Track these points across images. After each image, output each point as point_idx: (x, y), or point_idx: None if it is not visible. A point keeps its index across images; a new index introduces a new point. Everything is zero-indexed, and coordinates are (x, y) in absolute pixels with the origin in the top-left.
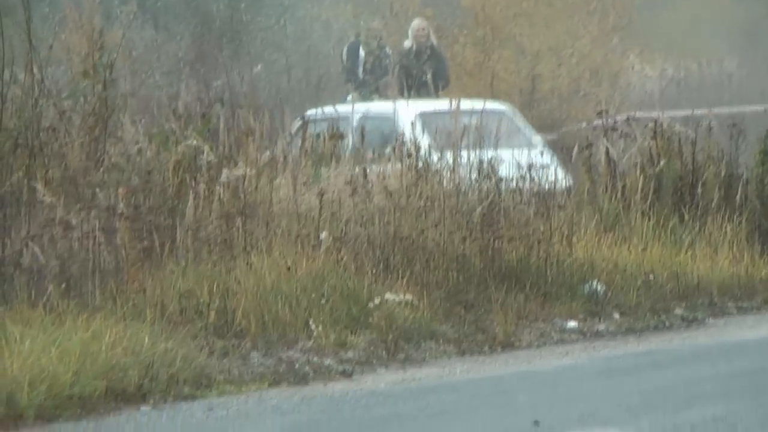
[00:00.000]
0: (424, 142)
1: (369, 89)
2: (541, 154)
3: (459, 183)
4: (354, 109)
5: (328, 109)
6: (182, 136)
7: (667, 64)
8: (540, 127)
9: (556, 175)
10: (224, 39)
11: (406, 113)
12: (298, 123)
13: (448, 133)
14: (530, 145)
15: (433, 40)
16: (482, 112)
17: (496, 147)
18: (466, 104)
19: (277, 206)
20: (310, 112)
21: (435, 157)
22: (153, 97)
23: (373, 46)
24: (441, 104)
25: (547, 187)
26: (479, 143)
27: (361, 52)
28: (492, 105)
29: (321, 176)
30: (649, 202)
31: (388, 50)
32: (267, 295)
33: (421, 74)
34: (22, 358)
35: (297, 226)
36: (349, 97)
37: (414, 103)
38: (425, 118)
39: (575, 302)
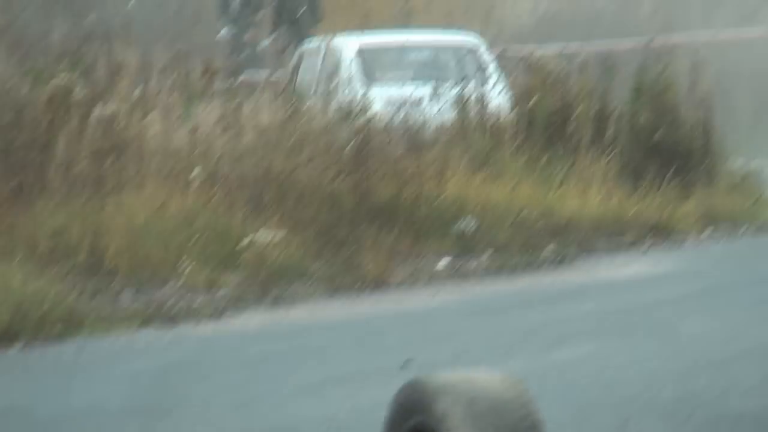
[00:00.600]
0: (356, 81)
1: (243, 24)
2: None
3: (331, 120)
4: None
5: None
6: (55, 71)
7: None
8: None
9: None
10: None
11: (348, 49)
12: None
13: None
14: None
15: None
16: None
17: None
18: (424, 37)
19: (149, 143)
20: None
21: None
22: (26, 33)
23: None
24: (390, 38)
25: (418, 124)
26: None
27: None
28: (457, 37)
29: (192, 113)
30: (520, 139)
31: None
32: (138, 233)
33: (295, 8)
34: None
35: (169, 163)
36: (223, 32)
37: (358, 39)
38: (367, 54)
39: (446, 240)
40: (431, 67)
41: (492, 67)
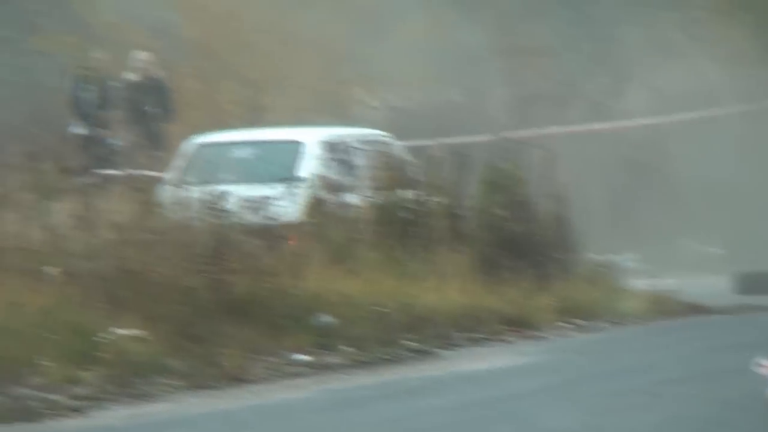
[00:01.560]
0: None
1: (95, 121)
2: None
3: (187, 217)
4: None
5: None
6: None
7: (391, 93)
8: None
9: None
10: None
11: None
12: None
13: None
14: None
15: (157, 72)
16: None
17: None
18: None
19: (4, 240)
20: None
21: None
22: None
23: (97, 79)
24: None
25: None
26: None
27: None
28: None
29: (48, 210)
30: (377, 233)
31: (111, 83)
32: None
33: (146, 107)
34: None
35: (24, 260)
36: (74, 128)
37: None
38: (206, 149)
39: (305, 335)
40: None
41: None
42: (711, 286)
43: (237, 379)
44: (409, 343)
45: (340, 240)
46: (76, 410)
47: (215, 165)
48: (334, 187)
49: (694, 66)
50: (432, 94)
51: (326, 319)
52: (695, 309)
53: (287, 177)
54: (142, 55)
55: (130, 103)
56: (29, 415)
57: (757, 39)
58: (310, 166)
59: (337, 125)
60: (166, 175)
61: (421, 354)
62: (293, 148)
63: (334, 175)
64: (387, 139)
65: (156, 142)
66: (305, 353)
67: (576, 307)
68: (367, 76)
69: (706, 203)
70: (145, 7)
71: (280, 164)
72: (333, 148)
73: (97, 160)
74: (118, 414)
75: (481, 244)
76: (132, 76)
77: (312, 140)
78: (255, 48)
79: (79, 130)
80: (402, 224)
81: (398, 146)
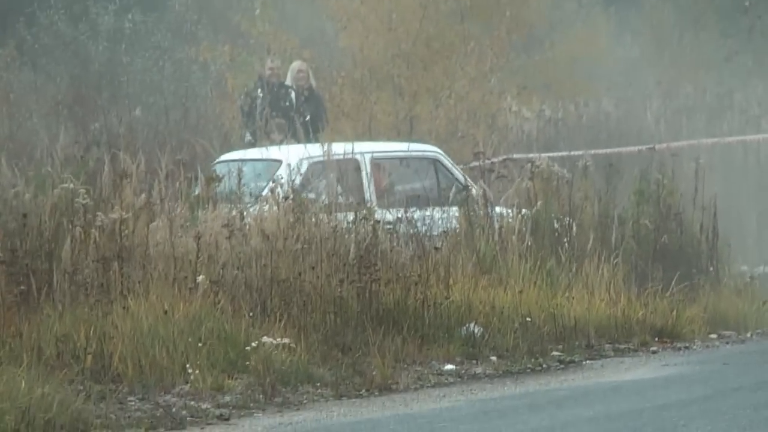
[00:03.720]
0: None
1: (260, 131)
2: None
3: (336, 226)
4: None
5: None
6: (59, 179)
7: (545, 104)
8: None
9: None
10: (103, 81)
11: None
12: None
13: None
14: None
15: (312, 81)
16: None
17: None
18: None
19: (154, 249)
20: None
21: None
22: (31, 140)
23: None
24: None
25: (424, 229)
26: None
27: (259, 93)
28: (418, 148)
29: (198, 219)
30: (526, 243)
31: (290, 92)
32: (144, 338)
33: (300, 116)
34: None
35: (174, 269)
36: (247, 138)
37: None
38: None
39: (453, 345)
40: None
41: (459, 175)
42: None
43: (383, 388)
44: (555, 353)
45: (489, 250)
46: (222, 418)
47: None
48: (485, 198)
49: None
50: (587, 105)
51: (474, 328)
52: None
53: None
54: (297, 65)
55: (284, 112)
56: (175, 422)
57: None
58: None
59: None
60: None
61: (568, 364)
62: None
63: (483, 187)
64: (439, 155)
65: None
66: (452, 363)
67: (724, 318)
68: (521, 86)
69: None
70: (301, 17)
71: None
72: (317, 166)
73: None
74: (263, 422)
75: (631, 255)
76: (286, 85)
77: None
78: (410, 58)
79: (251, 137)
80: (551, 234)
81: (449, 162)
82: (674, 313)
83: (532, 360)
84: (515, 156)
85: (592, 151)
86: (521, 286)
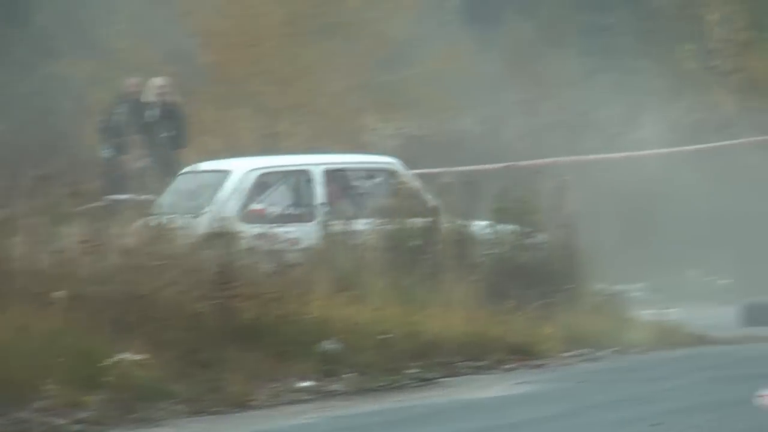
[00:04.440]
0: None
1: (117, 146)
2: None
3: (195, 242)
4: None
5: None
6: None
7: (407, 122)
8: None
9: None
10: None
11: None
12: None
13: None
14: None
15: (173, 98)
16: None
17: None
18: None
19: (13, 264)
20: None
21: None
22: None
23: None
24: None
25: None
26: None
27: (120, 109)
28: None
29: (57, 234)
30: (384, 260)
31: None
32: (0, 353)
33: (161, 132)
34: None
35: (33, 284)
36: (106, 154)
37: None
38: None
39: (310, 361)
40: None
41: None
42: (718, 316)
43: (240, 404)
44: (413, 370)
45: (347, 267)
46: None
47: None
48: (343, 214)
49: (709, 96)
50: (448, 122)
51: (331, 345)
52: (701, 339)
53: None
54: (159, 80)
55: (146, 128)
56: None
57: None
58: (238, 196)
59: (350, 152)
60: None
61: (425, 382)
62: (221, 177)
63: (342, 202)
64: (396, 167)
65: (169, 168)
66: (310, 379)
67: (582, 336)
68: (383, 103)
69: (715, 233)
70: (162, 33)
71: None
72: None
73: (113, 184)
74: None
75: (489, 272)
76: (148, 101)
77: (242, 170)
78: (272, 75)
79: (109, 153)
80: (410, 251)
81: (407, 173)
82: (531, 330)
83: (390, 377)
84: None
85: (454, 169)
86: (379, 302)
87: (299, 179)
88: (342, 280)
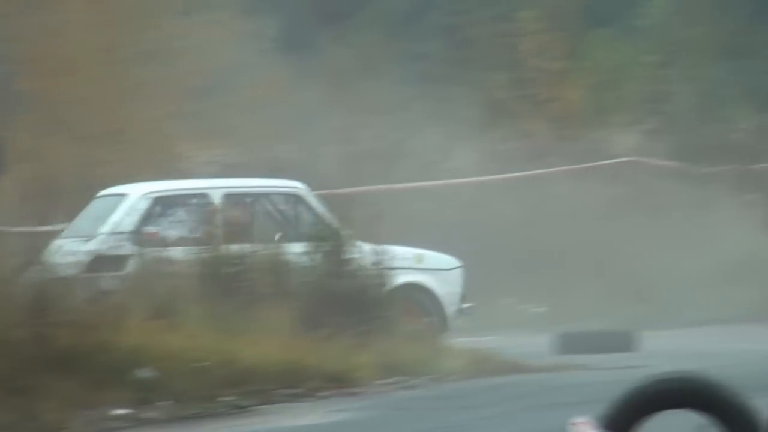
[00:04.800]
0: None
1: None
2: None
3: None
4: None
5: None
6: None
7: (224, 149)
8: None
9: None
10: None
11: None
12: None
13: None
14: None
15: None
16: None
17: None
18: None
19: None
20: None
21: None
22: None
23: None
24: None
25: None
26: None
27: None
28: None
29: None
30: (201, 288)
31: None
32: None
33: None
34: None
35: None
36: None
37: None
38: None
39: (126, 389)
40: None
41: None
42: (532, 344)
43: None
44: (228, 398)
45: (163, 294)
46: None
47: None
48: (159, 241)
49: (523, 125)
50: (266, 150)
51: (147, 373)
52: (515, 367)
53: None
54: None
55: None
56: None
57: (589, 100)
58: (130, 220)
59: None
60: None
61: (241, 410)
62: (117, 201)
63: (160, 228)
64: (301, 192)
65: None
66: (125, 407)
67: (397, 364)
68: (200, 131)
69: (529, 262)
70: None
71: (103, 217)
72: (163, 201)
73: None
74: None
75: (306, 300)
76: None
77: (137, 194)
78: (89, 102)
79: None
80: (226, 279)
81: (312, 198)
82: (347, 358)
83: (205, 405)
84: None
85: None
86: (195, 330)
87: (199, 203)
88: (158, 307)
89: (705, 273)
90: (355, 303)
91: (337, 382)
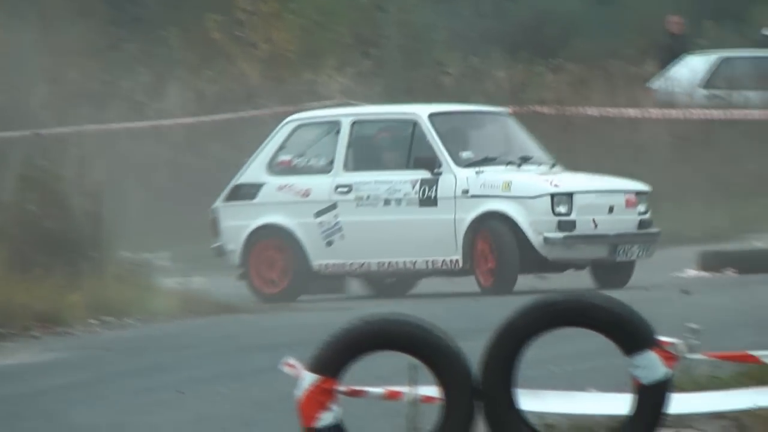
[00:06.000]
0: None
1: None
2: None
3: None
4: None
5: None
6: None
7: None
8: None
9: None
10: None
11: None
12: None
13: None
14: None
15: None
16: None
17: None
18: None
19: None
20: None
21: None
22: None
23: None
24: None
25: None
26: None
27: None
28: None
29: None
30: None
31: None
32: None
33: None
34: None
35: None
36: None
37: None
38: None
39: None
40: None
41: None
42: (240, 285)
43: None
44: None
45: None
46: None
47: None
48: None
49: (235, 67)
50: None
51: None
52: (227, 308)
53: None
54: None
55: None
56: None
57: (300, 42)
58: None
59: None
60: None
61: None
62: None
63: None
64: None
65: None
66: None
67: (107, 304)
68: None
69: None
70: None
71: None
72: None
73: None
74: None
75: (14, 240)
76: None
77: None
78: None
79: None
80: None
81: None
82: (57, 298)
83: None
84: None
85: None
86: None
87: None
88: None
89: None
90: (65, 243)
91: (46, 322)
